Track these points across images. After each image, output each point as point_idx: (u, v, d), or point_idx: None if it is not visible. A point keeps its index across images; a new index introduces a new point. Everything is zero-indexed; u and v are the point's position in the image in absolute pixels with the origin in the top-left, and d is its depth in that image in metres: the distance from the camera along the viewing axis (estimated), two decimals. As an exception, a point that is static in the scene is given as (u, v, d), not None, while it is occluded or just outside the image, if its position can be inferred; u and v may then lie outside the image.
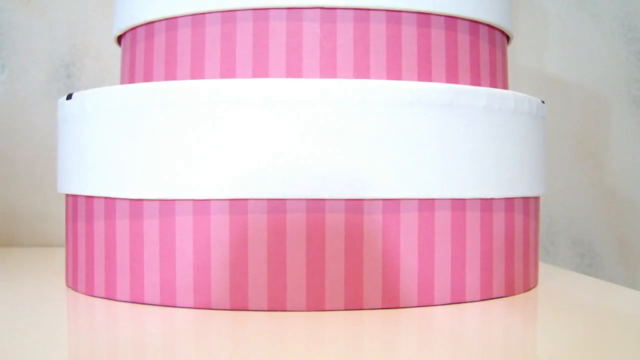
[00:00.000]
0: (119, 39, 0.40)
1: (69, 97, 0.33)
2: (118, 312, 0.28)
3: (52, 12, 0.56)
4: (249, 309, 0.29)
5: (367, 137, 0.29)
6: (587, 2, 0.59)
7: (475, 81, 0.34)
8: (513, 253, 0.33)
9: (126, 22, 0.36)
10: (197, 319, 0.27)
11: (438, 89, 0.30)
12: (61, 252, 0.51)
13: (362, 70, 0.32)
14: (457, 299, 0.31)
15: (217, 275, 0.29)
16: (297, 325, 0.26)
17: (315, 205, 0.29)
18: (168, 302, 0.30)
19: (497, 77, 0.36)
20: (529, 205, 0.34)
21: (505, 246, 0.32)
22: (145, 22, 0.35)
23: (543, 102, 0.35)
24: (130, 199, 0.31)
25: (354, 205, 0.29)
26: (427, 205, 0.30)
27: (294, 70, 0.32)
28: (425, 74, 0.33)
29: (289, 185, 0.29)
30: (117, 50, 0.57)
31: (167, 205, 0.30)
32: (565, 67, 0.59)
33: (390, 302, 0.30)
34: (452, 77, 0.34)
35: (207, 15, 0.33)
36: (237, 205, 0.29)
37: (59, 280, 0.37)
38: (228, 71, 0.32)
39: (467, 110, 0.31)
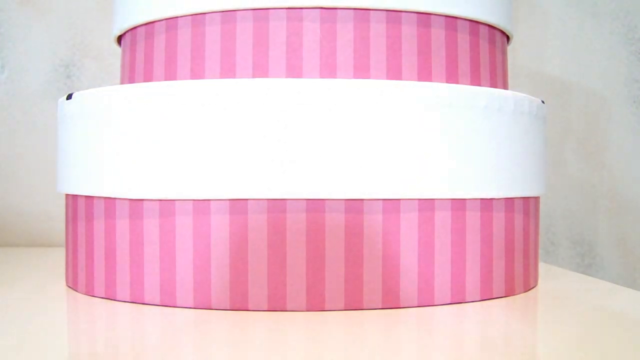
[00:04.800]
0: (119, 39, 0.40)
1: (69, 97, 0.33)
2: (118, 312, 0.28)
3: (52, 12, 0.56)
4: (249, 309, 0.29)
5: (367, 137, 0.29)
6: (587, 2, 0.59)
7: (475, 81, 0.34)
8: (513, 253, 0.33)
9: (126, 22, 0.36)
10: (197, 319, 0.27)
11: (438, 89, 0.30)
12: (61, 252, 0.51)
13: (362, 70, 0.32)
14: (457, 299, 0.31)
15: (217, 275, 0.29)
16: (297, 325, 0.26)
17: (315, 205, 0.29)
18: (168, 302, 0.30)
19: (497, 77, 0.36)
20: (529, 205, 0.34)
21: (505, 246, 0.32)
22: (145, 22, 0.35)
23: (543, 102, 0.35)
24: (130, 199, 0.31)
25: (354, 205, 0.29)
26: (427, 205, 0.30)
27: (294, 70, 0.32)
28: (425, 74, 0.33)
29: (289, 185, 0.29)
30: (117, 50, 0.57)
31: (167, 205, 0.30)
32: (565, 67, 0.59)
33: (390, 302, 0.30)
34: (452, 77, 0.34)
35: (207, 15, 0.33)
36: (237, 205, 0.29)
37: (59, 280, 0.37)
38: (228, 71, 0.32)
39: (467, 110, 0.31)
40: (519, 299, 0.32)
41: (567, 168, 0.59)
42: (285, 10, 0.32)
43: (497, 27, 0.36)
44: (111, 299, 0.31)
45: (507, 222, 0.32)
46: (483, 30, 0.35)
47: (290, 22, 0.32)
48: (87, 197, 0.32)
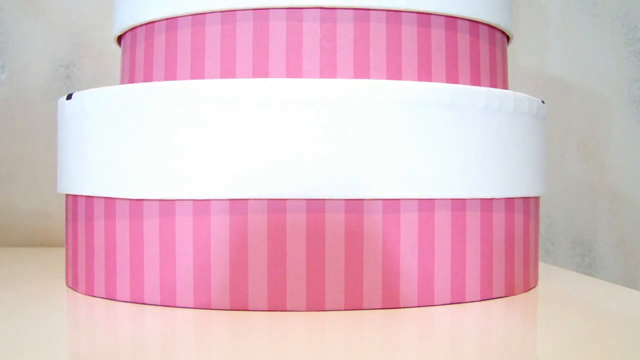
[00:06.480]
0: (119, 39, 0.40)
1: (69, 97, 0.33)
2: (118, 312, 0.28)
3: (52, 12, 0.56)
4: (249, 309, 0.29)
5: (367, 137, 0.29)
6: (588, 2, 0.59)
7: (475, 81, 0.34)
8: (513, 253, 0.33)
9: (126, 22, 0.36)
10: (197, 319, 0.27)
11: (438, 89, 0.30)
12: (61, 252, 0.51)
13: (362, 70, 0.32)
14: (457, 299, 0.31)
15: (217, 275, 0.29)
16: (297, 325, 0.26)
17: (315, 205, 0.29)
18: (168, 302, 0.30)
19: (497, 77, 0.36)
20: (529, 205, 0.34)
21: (505, 246, 0.32)
22: (145, 22, 0.35)
23: (543, 102, 0.35)
24: (130, 199, 0.31)
25: (354, 205, 0.29)
26: (427, 205, 0.30)
27: (294, 70, 0.32)
28: (425, 74, 0.33)
29: (289, 185, 0.29)
30: (117, 50, 0.57)
31: (167, 205, 0.30)
32: (565, 67, 0.59)
33: (390, 302, 0.30)
34: (452, 77, 0.34)
35: (207, 15, 0.33)
36: (237, 205, 0.29)
37: (59, 280, 0.37)
38: (228, 71, 0.32)
39: (467, 110, 0.31)
40: (519, 299, 0.32)
41: (567, 168, 0.59)
42: (285, 10, 0.32)
43: (497, 27, 0.36)
44: (111, 299, 0.31)
45: (507, 222, 0.32)
46: (483, 30, 0.35)
47: (290, 22, 0.32)
48: (87, 197, 0.32)
